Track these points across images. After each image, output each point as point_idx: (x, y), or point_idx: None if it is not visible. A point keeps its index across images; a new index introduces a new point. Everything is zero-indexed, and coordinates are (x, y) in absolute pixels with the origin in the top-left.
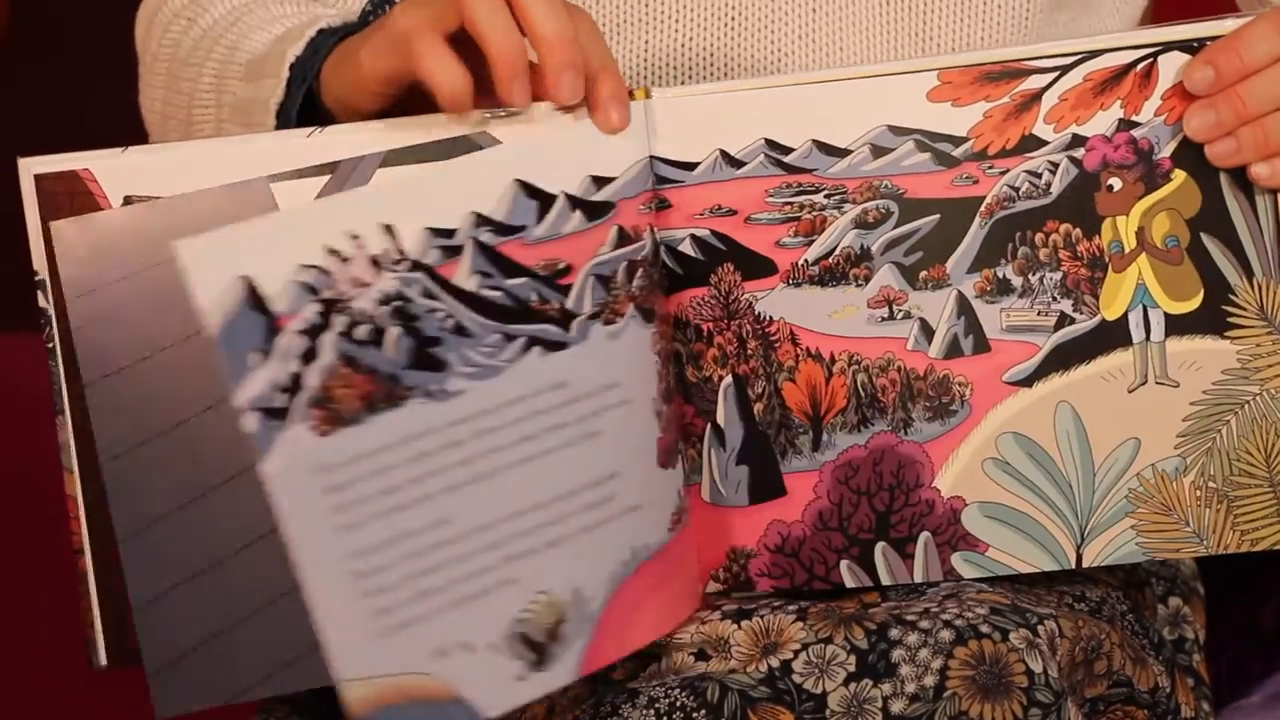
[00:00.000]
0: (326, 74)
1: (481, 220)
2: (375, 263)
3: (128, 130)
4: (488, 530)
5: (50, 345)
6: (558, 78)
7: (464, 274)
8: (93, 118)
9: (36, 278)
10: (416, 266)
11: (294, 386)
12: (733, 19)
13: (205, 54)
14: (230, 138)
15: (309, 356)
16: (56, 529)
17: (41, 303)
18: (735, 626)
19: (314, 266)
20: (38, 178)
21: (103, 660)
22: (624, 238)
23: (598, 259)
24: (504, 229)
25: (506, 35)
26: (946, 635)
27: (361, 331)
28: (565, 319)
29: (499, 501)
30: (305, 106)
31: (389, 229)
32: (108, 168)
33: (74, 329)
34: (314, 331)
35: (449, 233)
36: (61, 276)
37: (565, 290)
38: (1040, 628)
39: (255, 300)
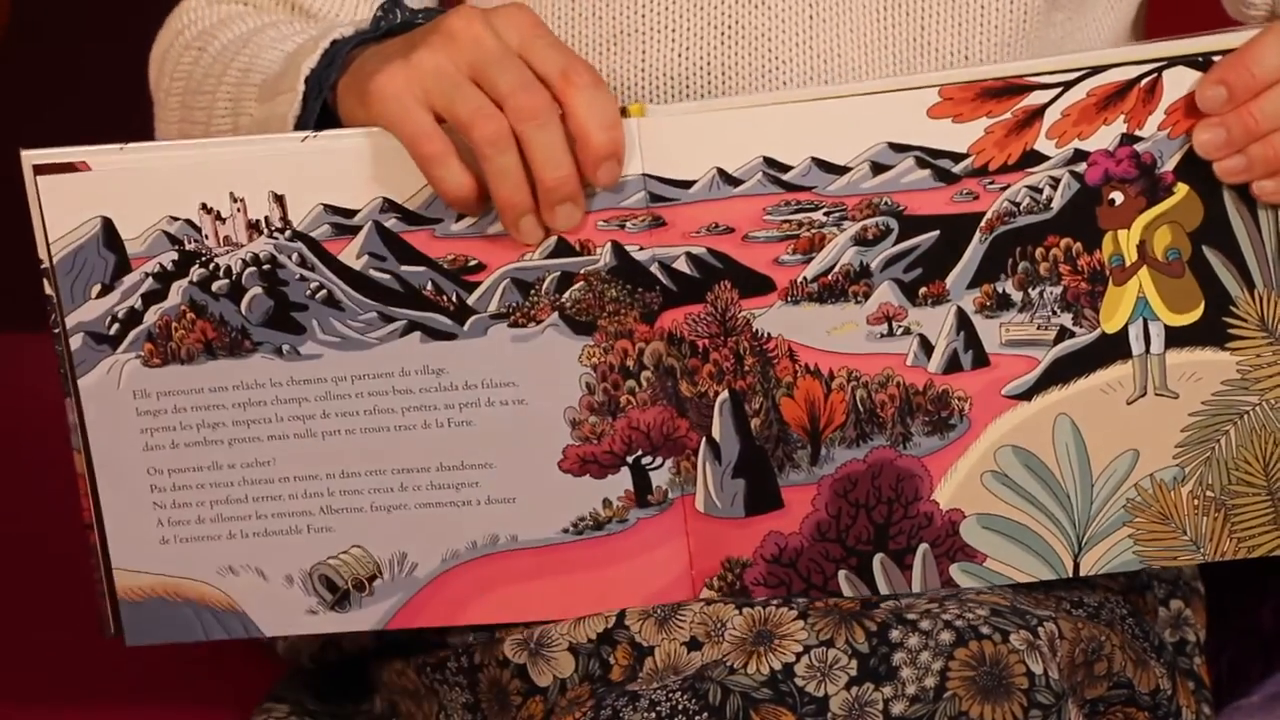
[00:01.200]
0: (341, 89)
1: (390, 206)
2: (254, 226)
3: (128, 130)
4: (310, 481)
5: (56, 330)
6: (552, 211)
7: (352, 252)
8: (93, 117)
9: (41, 266)
10: (297, 236)
11: (131, 320)
12: (730, 31)
13: (218, 79)
14: (225, 139)
15: (154, 298)
16: (57, 529)
17: (47, 289)
18: (736, 612)
19: (183, 219)
20: (37, 167)
21: (112, 630)
22: (564, 248)
23: (519, 264)
24: (415, 218)
25: (515, 187)
26: (947, 637)
27: (218, 285)
28: (460, 313)
29: (329, 459)
30: (322, 117)
31: (279, 198)
32: (106, 163)
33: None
34: (166, 277)
35: (349, 212)
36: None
37: (471, 286)
38: (1040, 629)
39: (110, 240)
